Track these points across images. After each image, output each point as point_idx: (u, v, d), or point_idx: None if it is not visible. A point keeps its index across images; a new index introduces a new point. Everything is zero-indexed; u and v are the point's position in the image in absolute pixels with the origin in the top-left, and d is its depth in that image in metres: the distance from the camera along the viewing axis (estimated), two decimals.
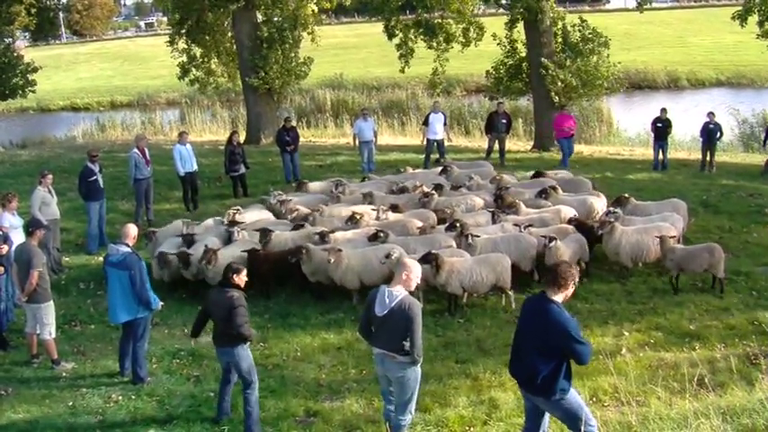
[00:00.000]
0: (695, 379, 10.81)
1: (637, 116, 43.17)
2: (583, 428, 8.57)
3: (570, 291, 8.72)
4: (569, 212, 19.15)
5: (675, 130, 31.95)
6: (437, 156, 29.42)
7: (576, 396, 8.86)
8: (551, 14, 33.53)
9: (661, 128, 29.17)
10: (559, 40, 33.93)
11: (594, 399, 11.63)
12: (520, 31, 34.34)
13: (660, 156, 29.34)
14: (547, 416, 9.22)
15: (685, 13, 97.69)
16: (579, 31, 33.96)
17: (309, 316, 15.88)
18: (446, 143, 29.95)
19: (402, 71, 35.82)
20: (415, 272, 9.89)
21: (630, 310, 15.47)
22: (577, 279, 8.82)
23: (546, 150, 33.33)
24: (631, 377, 11.59)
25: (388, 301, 9.62)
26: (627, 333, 14.18)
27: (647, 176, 27.88)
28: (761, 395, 9.98)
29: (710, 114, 29.46)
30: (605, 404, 11.40)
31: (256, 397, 11.24)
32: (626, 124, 43.12)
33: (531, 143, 35.29)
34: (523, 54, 34.39)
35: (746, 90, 55.78)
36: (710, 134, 28.91)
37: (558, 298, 8.63)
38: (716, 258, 16.24)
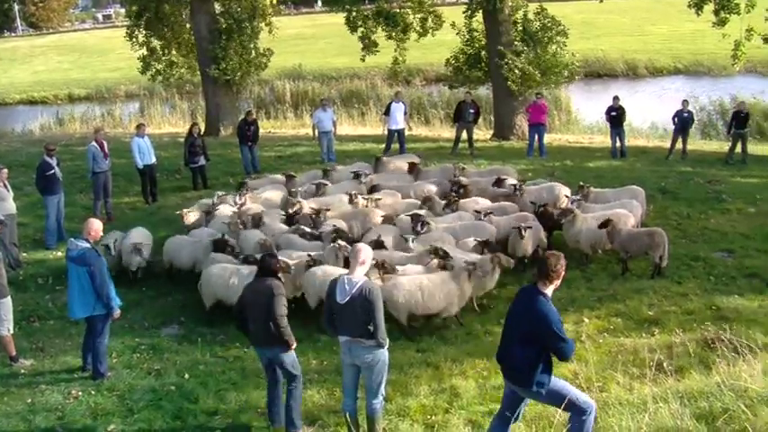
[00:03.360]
0: (654, 364, 10.88)
1: (596, 104, 43.28)
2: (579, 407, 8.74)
3: (559, 281, 8.78)
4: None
5: (634, 118, 32.21)
6: (398, 145, 29.38)
7: (557, 382, 8.88)
8: (511, 3, 33.64)
9: (615, 116, 29.41)
10: (519, 29, 34.02)
11: None
12: (479, 20, 34.41)
13: (618, 143, 29.57)
14: (525, 402, 9.28)
15: (643, 2, 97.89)
16: (538, 20, 34.09)
17: None
18: (406, 133, 29.87)
19: (363, 60, 35.82)
20: (368, 253, 10.04)
21: (590, 297, 15.59)
22: (564, 269, 8.81)
23: (506, 139, 33.47)
24: (592, 363, 11.63)
25: (348, 288, 9.70)
26: (587, 320, 14.27)
27: (606, 164, 28.08)
28: (718, 379, 10.08)
29: (684, 102, 29.85)
30: None
31: (300, 391, 11.03)
32: (585, 112, 43.34)
33: (491, 132, 35.39)
34: (483, 43, 34.46)
35: (704, 78, 56.14)
36: (684, 122, 29.28)
37: (548, 290, 8.69)
38: (655, 242, 16.50)
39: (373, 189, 21.14)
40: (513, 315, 8.98)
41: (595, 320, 14.29)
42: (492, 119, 36.55)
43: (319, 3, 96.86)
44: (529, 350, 8.59)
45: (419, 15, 35.12)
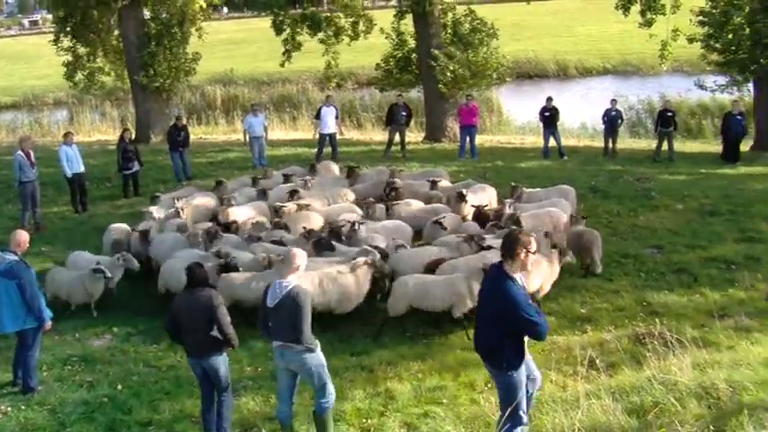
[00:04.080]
0: (587, 361, 10.99)
1: (527, 105, 43.71)
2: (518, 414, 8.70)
3: (525, 258, 8.60)
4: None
5: (565, 118, 32.56)
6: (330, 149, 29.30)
7: (522, 382, 8.80)
8: (440, 6, 33.81)
9: (549, 116, 29.71)
10: (449, 31, 34.23)
11: (490, 385, 11.69)
12: (408, 23, 34.53)
13: (552, 143, 29.86)
14: (524, 398, 9.09)
15: (573, 3, 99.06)
16: (468, 22, 34.32)
17: None
18: (338, 137, 29.82)
19: (282, 65, 35.79)
20: (303, 259, 9.99)
21: None
22: (533, 246, 8.70)
23: (438, 141, 33.62)
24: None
25: (278, 291, 9.69)
26: None
27: (537, 164, 28.35)
28: (648, 373, 10.22)
29: (613, 101, 30.32)
30: None
31: (232, 400, 10.99)
32: (516, 113, 43.73)
33: (423, 134, 35.52)
34: (413, 46, 34.59)
35: (632, 77, 56.97)
36: (613, 121, 29.75)
37: (513, 268, 8.57)
38: (583, 241, 16.73)
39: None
40: (483, 295, 9.00)
41: None
42: (424, 121, 36.69)
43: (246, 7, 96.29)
44: (499, 333, 8.56)
45: (350, 19, 35.13)
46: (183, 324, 10.48)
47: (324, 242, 16.05)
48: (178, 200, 19.92)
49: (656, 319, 13.25)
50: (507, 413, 8.64)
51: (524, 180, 22.64)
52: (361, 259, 14.49)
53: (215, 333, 10.36)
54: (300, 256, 9.99)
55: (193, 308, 10.39)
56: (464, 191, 19.51)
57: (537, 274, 14.34)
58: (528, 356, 9.10)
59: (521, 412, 8.72)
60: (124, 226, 18.99)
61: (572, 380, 11.24)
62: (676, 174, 26.16)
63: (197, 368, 10.73)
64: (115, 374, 13.11)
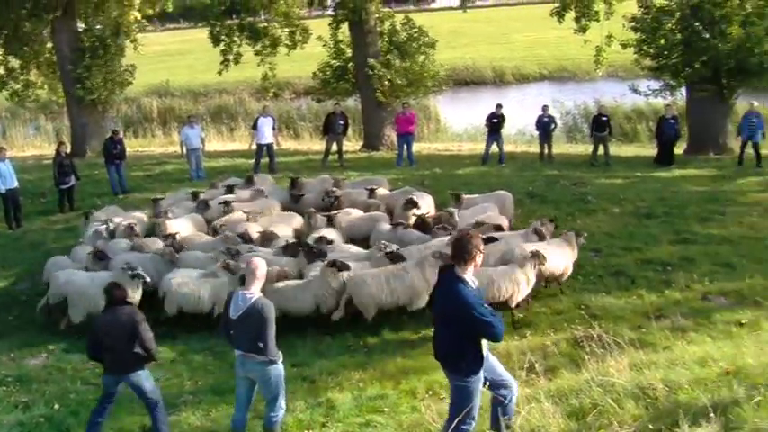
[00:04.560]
0: (526, 365, 11.02)
1: (464, 112, 43.98)
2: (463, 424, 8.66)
3: (478, 260, 8.64)
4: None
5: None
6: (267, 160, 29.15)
7: (478, 390, 8.77)
8: (377, 15, 33.87)
9: (496, 123, 29.91)
10: (386, 40, 34.30)
11: (431, 392, 11.77)
12: (345, 33, 34.54)
13: (494, 149, 30.11)
14: (513, 402, 9.16)
15: (508, 11, 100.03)
16: (405, 30, 34.43)
17: None
18: (275, 147, 29.68)
19: (219, 73, 35.54)
20: (264, 268, 9.98)
21: None
22: (482, 247, 8.73)
23: (376, 150, 33.68)
24: None
25: (241, 303, 9.70)
26: None
27: (475, 171, 28.50)
28: (587, 376, 10.27)
29: (545, 107, 30.55)
30: (441, 397, 11.49)
31: (165, 414, 10.92)
32: (454, 120, 43.93)
33: (361, 143, 35.54)
34: (349, 55, 34.60)
35: (569, 83, 57.53)
36: (545, 127, 30.05)
37: (467, 272, 8.57)
38: None
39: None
40: (437, 300, 8.99)
41: None
42: (361, 130, 36.72)
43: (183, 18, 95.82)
44: (455, 334, 8.55)
45: (287, 29, 35.02)
46: (104, 342, 10.47)
47: (316, 251, 16.14)
48: (111, 220, 19.58)
49: (595, 322, 13.30)
50: (455, 422, 8.60)
51: (462, 187, 22.74)
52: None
53: (137, 349, 10.39)
54: (261, 265, 9.97)
55: (115, 326, 10.42)
56: (415, 197, 19.72)
57: (561, 258, 15.51)
58: (498, 363, 9.19)
59: (464, 425, 8.69)
60: None
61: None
62: (612, 177, 26.45)
63: (112, 386, 10.74)
64: (52, 393, 12.90)
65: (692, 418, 8.07)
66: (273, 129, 29.36)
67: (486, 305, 8.58)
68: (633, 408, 8.97)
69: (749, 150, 27.97)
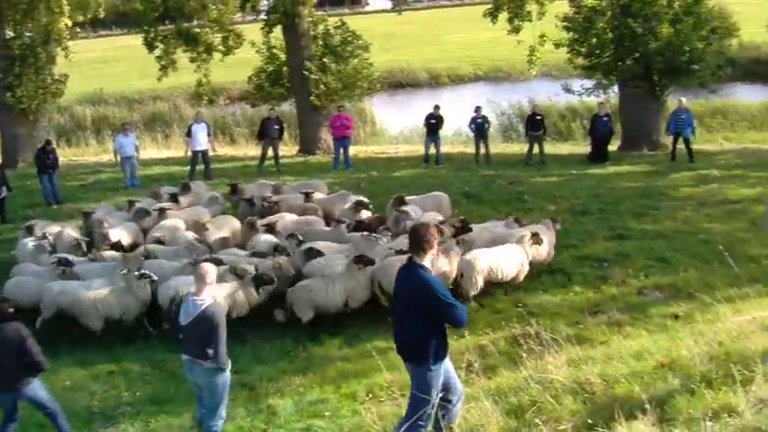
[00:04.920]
0: (464, 365, 11.05)
1: (400, 114, 44.15)
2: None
3: (435, 249, 8.83)
4: None
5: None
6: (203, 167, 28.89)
7: (439, 381, 8.83)
8: (310, 18, 33.82)
9: (434, 123, 30.00)
10: (320, 43, 34.26)
11: (371, 395, 11.76)
12: (279, 37, 34.41)
13: (433, 150, 30.15)
14: (457, 407, 9.16)
15: (442, 12, 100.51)
16: (339, 34, 34.42)
17: (77, 341, 15.15)
18: (211, 153, 29.45)
19: (159, 80, 35.15)
20: (214, 273, 10.00)
21: None
22: (437, 236, 8.93)
23: (312, 154, 33.58)
24: (404, 371, 11.70)
25: (192, 309, 9.66)
26: None
27: (411, 173, 28.60)
28: (525, 373, 10.33)
29: (477, 108, 30.69)
30: (381, 399, 11.56)
31: (66, 424, 10.87)
32: (389, 123, 44.05)
33: (297, 148, 35.40)
34: (283, 59, 34.47)
35: (503, 83, 58.00)
36: (479, 127, 30.14)
37: (426, 260, 8.68)
38: None
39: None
40: (398, 294, 9.01)
41: None
42: (297, 134, 36.59)
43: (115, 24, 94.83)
44: (420, 322, 8.60)
45: (220, 35, 34.78)
46: None
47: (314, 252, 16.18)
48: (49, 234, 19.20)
49: (532, 320, 13.43)
50: (413, 418, 8.66)
51: (400, 189, 22.71)
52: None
53: (25, 363, 10.42)
54: (211, 271, 9.93)
55: (2, 342, 10.40)
56: (364, 199, 20.09)
57: (546, 243, 16.23)
58: (452, 368, 9.24)
59: (421, 422, 8.69)
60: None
61: None
62: (548, 176, 26.67)
63: (8, 403, 10.74)
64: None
65: (628, 411, 8.15)
66: (209, 135, 29.12)
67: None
68: (571, 403, 9.05)
69: (681, 146, 28.42)
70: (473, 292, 15.05)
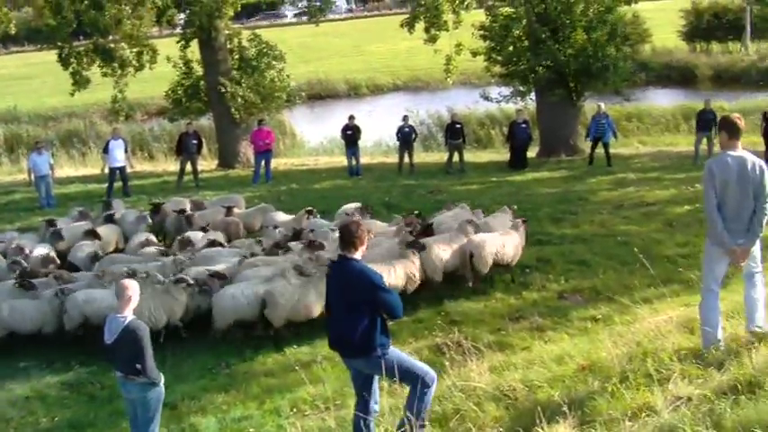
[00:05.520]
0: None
1: (319, 126, 44.12)
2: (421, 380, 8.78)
3: (364, 247, 8.92)
4: None
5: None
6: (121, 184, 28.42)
7: (399, 352, 8.97)
8: (227, 31, 33.63)
9: (350, 134, 29.99)
10: (236, 56, 34.07)
11: (295, 410, 11.64)
12: (196, 51, 34.13)
13: (353, 161, 30.18)
14: (376, 390, 9.17)
15: (360, 23, 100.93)
16: (254, 46, 34.28)
17: None
18: (129, 170, 29.03)
19: (72, 94, 34.48)
20: (136, 289, 9.83)
21: (324, 316, 15.58)
22: (365, 234, 8.99)
23: (232, 168, 33.36)
24: (328, 384, 11.66)
25: (114, 327, 9.58)
26: (321, 340, 14.29)
27: (331, 184, 28.62)
28: (448, 382, 10.32)
29: (405, 118, 30.85)
30: (306, 413, 11.43)
31: None
32: (309, 135, 43.99)
33: (217, 162, 35.15)
34: (201, 73, 34.20)
35: (422, 92, 58.33)
36: (406, 136, 30.17)
37: (358, 255, 8.77)
38: None
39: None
40: (334, 290, 9.02)
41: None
42: (216, 148, 36.32)
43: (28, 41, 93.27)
44: (362, 317, 8.58)
45: (135, 50, 34.32)
46: None
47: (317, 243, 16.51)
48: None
49: (455, 328, 13.47)
50: (416, 382, 8.77)
51: (320, 200, 22.75)
52: None
53: None
54: (133, 287, 9.80)
55: None
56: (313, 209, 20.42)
57: (510, 245, 16.53)
58: (377, 381, 9.21)
59: (423, 372, 8.89)
60: None
61: None
62: (468, 184, 26.85)
63: None
64: None
65: (549, 415, 8.19)
66: (126, 151, 28.71)
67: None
68: (494, 410, 9.07)
69: (600, 150, 28.87)
70: (484, 271, 16.14)
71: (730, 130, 9.26)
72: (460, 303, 15.68)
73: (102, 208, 22.71)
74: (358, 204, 20.92)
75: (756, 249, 9.34)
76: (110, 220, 21.16)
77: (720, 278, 9.53)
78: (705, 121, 28.51)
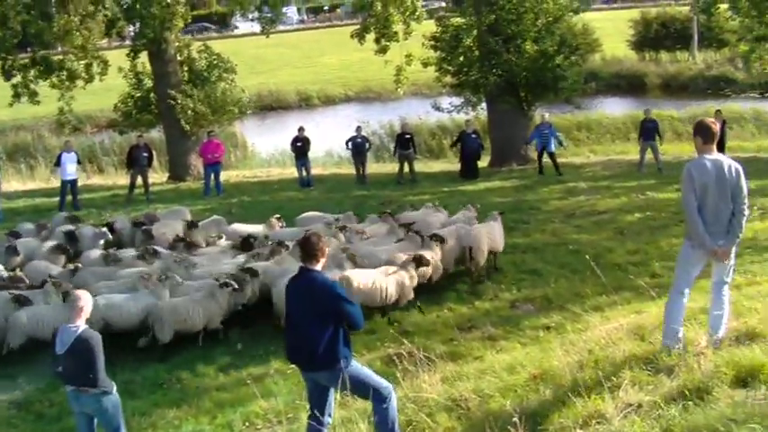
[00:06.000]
0: (338, 388, 10.95)
1: (271, 137, 43.97)
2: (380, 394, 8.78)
3: (324, 259, 8.89)
4: None
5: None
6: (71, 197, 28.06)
7: (360, 365, 8.94)
8: (177, 43, 33.43)
9: (301, 146, 29.93)
10: (186, 68, 33.90)
11: (247, 424, 11.57)
12: (146, 63, 33.88)
13: (304, 173, 30.12)
14: (332, 403, 9.13)
15: (312, 34, 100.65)
16: (204, 58, 34.13)
17: None
18: (80, 183, 28.70)
19: (11, 105, 33.95)
20: (88, 300, 9.74)
21: (274, 331, 15.48)
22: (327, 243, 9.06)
23: (182, 180, 33.14)
24: (280, 397, 11.59)
25: (66, 338, 9.44)
26: (273, 353, 14.22)
27: (283, 196, 28.55)
28: (401, 393, 10.27)
29: (358, 128, 30.94)
30: (258, 427, 11.38)
31: None
32: (261, 146, 43.86)
33: (167, 174, 34.87)
34: (151, 85, 33.94)
35: (374, 103, 58.41)
36: (359, 147, 30.18)
37: (319, 266, 8.74)
38: None
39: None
40: (296, 303, 8.89)
41: (282, 352, 14.21)
42: (166, 161, 36.07)
43: None
44: (325, 329, 8.53)
45: (84, 61, 33.95)
46: None
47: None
48: None
49: (407, 339, 13.40)
50: (375, 397, 8.80)
51: (272, 212, 22.53)
52: None
53: None
54: (85, 298, 9.70)
55: None
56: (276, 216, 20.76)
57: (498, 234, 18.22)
58: (332, 396, 9.18)
59: (381, 386, 8.87)
60: None
61: None
62: (420, 194, 26.83)
63: None
64: None
65: (501, 424, 8.19)
66: (78, 162, 28.45)
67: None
68: (446, 421, 9.05)
69: (548, 160, 29.08)
70: (482, 261, 17.26)
71: (705, 134, 9.36)
72: (413, 314, 15.69)
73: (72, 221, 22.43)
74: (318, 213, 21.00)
75: (732, 256, 9.44)
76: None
77: (692, 281, 9.62)
78: (647, 130, 28.86)
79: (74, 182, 27.99)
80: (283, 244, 17.27)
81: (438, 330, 14.62)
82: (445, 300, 16.38)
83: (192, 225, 21.00)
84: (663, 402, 7.89)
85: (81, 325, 9.52)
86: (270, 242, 18.25)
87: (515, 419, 7.96)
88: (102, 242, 20.51)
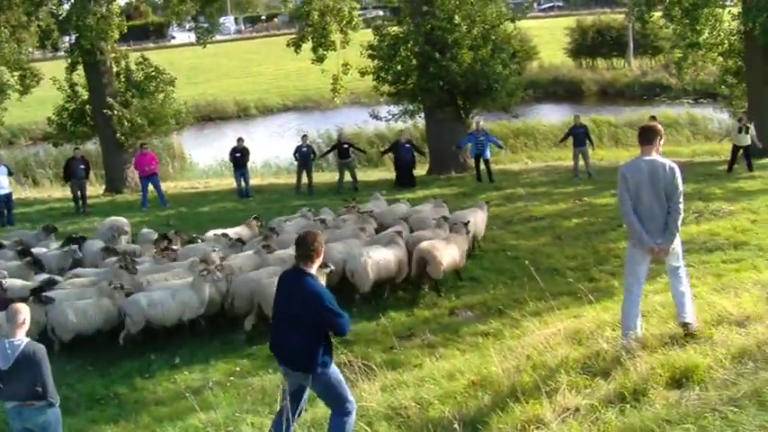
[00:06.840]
0: (278, 399, 10.87)
1: (209, 148, 43.74)
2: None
3: (320, 259, 8.78)
4: None
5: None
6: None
7: (338, 374, 8.85)
8: (113, 54, 33.08)
9: (239, 157, 29.79)
10: (122, 80, 33.57)
11: None
12: (81, 74, 33.48)
13: (243, 184, 29.99)
14: (305, 400, 9.05)
15: (248, 44, 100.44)
16: (141, 69, 33.83)
17: None
18: (14, 196, 28.21)
19: None
20: (28, 313, 9.54)
21: (216, 342, 15.38)
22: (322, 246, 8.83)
23: (119, 192, 32.77)
24: (220, 410, 11.46)
25: (9, 352, 9.20)
26: (212, 365, 14.10)
27: (221, 207, 28.39)
28: (364, 404, 10.26)
29: (304, 137, 30.87)
30: None
31: None
32: (199, 157, 43.58)
33: (104, 187, 34.43)
34: (86, 97, 33.54)
35: (313, 112, 58.39)
36: (305, 157, 30.10)
37: (313, 269, 8.62)
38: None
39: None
40: (283, 301, 8.82)
41: (222, 364, 14.14)
42: (103, 173, 35.65)
43: None
44: (307, 334, 8.47)
45: (17, 73, 33.46)
46: None
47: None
48: None
49: (347, 349, 13.35)
50: (337, 408, 8.82)
51: (209, 224, 22.50)
52: None
53: None
54: (25, 311, 9.50)
55: None
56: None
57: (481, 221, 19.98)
58: (305, 402, 9.13)
59: (348, 399, 8.85)
60: None
61: (269, 420, 11.09)
62: (361, 202, 26.75)
63: None
64: None
65: (441, 431, 8.21)
66: (10, 174, 28.00)
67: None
68: (386, 429, 9.06)
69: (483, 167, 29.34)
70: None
71: (642, 135, 9.72)
72: (352, 323, 15.52)
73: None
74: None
75: (677, 246, 9.67)
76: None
77: (642, 279, 9.85)
78: (578, 136, 29.20)
79: (8, 196, 27.51)
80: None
81: (378, 339, 14.58)
82: (384, 308, 16.36)
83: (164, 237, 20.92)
84: (600, 405, 7.99)
85: (23, 339, 9.35)
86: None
87: (455, 426, 8.00)
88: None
